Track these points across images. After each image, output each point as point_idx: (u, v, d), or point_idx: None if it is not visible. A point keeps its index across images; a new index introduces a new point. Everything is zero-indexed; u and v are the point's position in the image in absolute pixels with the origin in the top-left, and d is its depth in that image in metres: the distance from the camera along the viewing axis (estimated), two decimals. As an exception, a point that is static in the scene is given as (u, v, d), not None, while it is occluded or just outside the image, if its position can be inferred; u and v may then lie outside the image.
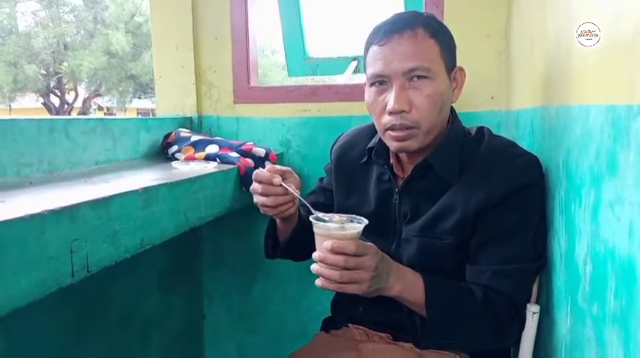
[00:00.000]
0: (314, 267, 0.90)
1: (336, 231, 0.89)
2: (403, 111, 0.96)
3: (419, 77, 0.95)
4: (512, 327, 0.97)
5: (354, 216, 0.95)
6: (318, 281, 0.90)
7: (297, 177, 1.07)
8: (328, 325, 1.22)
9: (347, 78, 1.88)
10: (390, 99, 0.96)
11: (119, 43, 13.48)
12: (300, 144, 1.64)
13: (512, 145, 1.03)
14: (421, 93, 0.96)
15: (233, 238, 1.72)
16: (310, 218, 0.93)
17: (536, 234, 0.97)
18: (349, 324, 1.14)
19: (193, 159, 1.30)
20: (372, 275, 0.88)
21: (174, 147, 1.38)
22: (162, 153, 1.43)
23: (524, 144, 1.09)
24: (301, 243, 1.19)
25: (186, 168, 1.15)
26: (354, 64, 1.96)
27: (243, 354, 1.76)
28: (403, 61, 0.95)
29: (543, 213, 0.98)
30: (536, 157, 0.99)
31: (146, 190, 0.85)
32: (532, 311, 0.97)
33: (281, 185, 1.00)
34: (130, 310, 1.41)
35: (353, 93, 1.58)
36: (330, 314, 1.24)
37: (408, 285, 0.95)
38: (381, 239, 1.05)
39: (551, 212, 0.95)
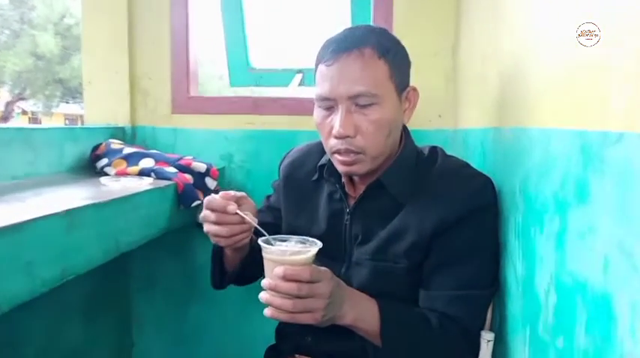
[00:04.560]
0: (263, 296, 0.83)
1: (288, 255, 0.82)
2: (348, 137, 0.92)
3: (365, 103, 0.91)
4: (468, 356, 0.93)
5: (306, 237, 0.89)
6: (268, 311, 0.83)
7: (253, 202, 0.99)
8: (272, 354, 1.14)
9: (292, 91, 1.82)
10: (336, 123, 0.92)
11: (47, 45, 12.82)
12: (244, 159, 1.56)
13: (465, 166, 1.00)
14: (367, 119, 0.92)
15: (166, 258, 1.60)
16: (259, 241, 0.86)
17: (491, 258, 0.95)
18: (296, 355, 1.06)
19: (125, 174, 1.18)
20: (326, 303, 0.82)
21: (104, 161, 1.26)
22: (90, 167, 1.30)
23: (473, 165, 1.07)
24: (252, 270, 1.12)
25: (117, 184, 1.04)
26: (298, 76, 1.90)
27: (177, 385, 1.63)
28: (349, 85, 0.90)
29: (497, 236, 0.96)
30: (490, 179, 0.97)
31: (69, 213, 0.75)
32: (486, 339, 0.93)
33: (236, 213, 0.91)
34: (49, 343, 1.26)
35: (300, 107, 1.52)
36: (274, 342, 1.16)
37: (362, 313, 0.90)
38: (331, 261, 0.99)
39: (505, 236, 0.93)
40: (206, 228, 0.94)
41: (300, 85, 1.89)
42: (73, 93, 15.39)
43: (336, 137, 0.92)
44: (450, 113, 1.46)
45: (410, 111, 0.99)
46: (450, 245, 0.93)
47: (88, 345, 1.43)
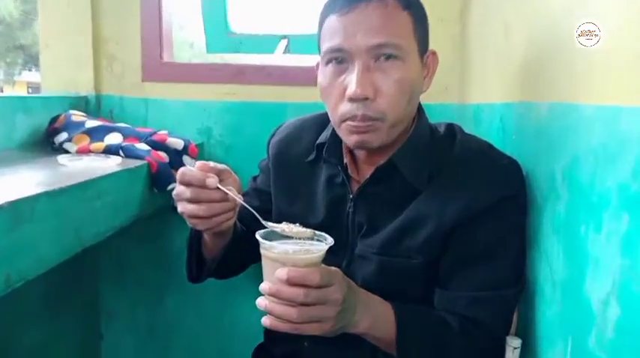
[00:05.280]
0: (261, 303, 0.69)
1: (294, 254, 0.68)
2: (367, 99, 0.77)
3: (387, 57, 0.77)
4: None
5: (312, 230, 0.75)
6: (267, 321, 0.69)
7: (237, 177, 0.84)
8: (263, 356, 1.01)
9: (277, 59, 1.65)
10: (351, 82, 0.77)
11: (6, 8, 12.14)
12: (224, 134, 1.39)
13: (489, 147, 0.88)
14: (389, 78, 0.78)
15: (138, 244, 1.44)
16: (257, 235, 0.71)
17: (519, 253, 0.83)
18: (291, 362, 0.93)
19: (88, 151, 1.01)
20: (338, 310, 0.69)
21: (63, 135, 1.08)
22: (46, 143, 1.12)
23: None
24: (235, 261, 0.98)
25: (78, 164, 0.87)
26: (283, 42, 1.72)
27: (151, 380, 1.49)
28: (369, 35, 0.76)
29: (525, 228, 0.84)
30: (517, 162, 0.84)
31: (15, 206, 0.58)
32: (513, 346, 0.81)
33: (218, 188, 0.75)
34: (3, 344, 1.10)
35: (288, 75, 1.35)
36: (261, 339, 1.03)
37: (377, 319, 0.77)
38: (330, 255, 0.85)
39: (536, 228, 0.81)
40: (180, 207, 0.78)
41: (285, 52, 1.72)
42: (35, 60, 14.71)
43: (351, 99, 0.77)
44: (457, 86, 1.32)
45: (429, 79, 0.87)
46: (472, 238, 0.81)
47: (49, 343, 1.27)
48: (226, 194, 0.76)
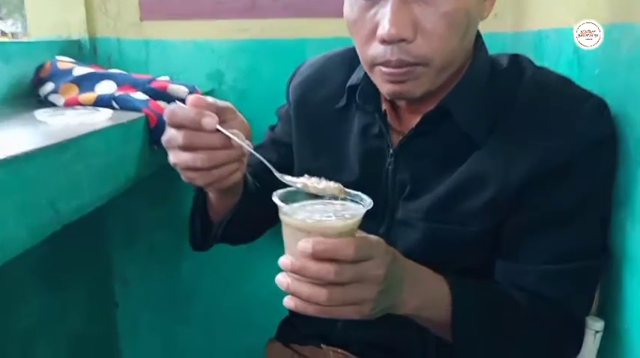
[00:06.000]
0: (282, 281, 0.54)
1: (322, 220, 0.53)
2: (403, 40, 0.60)
3: None
4: (570, 350, 0.69)
5: (341, 186, 0.58)
6: (290, 302, 0.55)
7: (244, 119, 0.67)
8: (286, 333, 0.89)
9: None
10: (384, 18, 0.60)
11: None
12: (237, 78, 1.22)
13: (568, 83, 0.69)
14: (435, 11, 0.59)
15: (148, 205, 1.31)
16: (274, 197, 0.55)
17: (604, 216, 0.67)
18: (322, 345, 0.80)
19: (77, 103, 0.85)
20: (378, 290, 0.54)
21: (50, 86, 0.92)
22: (32, 96, 0.97)
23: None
24: (248, 224, 0.84)
25: (59, 121, 0.71)
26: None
27: (170, 348, 1.40)
28: None
29: (613, 184, 0.67)
30: (604, 101, 0.66)
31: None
32: (594, 330, 0.67)
33: (218, 130, 0.59)
34: (8, 314, 1.00)
35: (307, 7, 1.16)
36: (283, 307, 0.90)
37: (428, 298, 0.63)
38: (366, 219, 0.70)
39: (628, 186, 0.64)
40: (172, 157, 0.62)
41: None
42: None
43: (384, 41, 0.60)
44: (510, 10, 1.11)
45: (490, 3, 0.67)
46: (547, 200, 0.65)
47: (62, 312, 1.17)
48: (229, 138, 0.60)
